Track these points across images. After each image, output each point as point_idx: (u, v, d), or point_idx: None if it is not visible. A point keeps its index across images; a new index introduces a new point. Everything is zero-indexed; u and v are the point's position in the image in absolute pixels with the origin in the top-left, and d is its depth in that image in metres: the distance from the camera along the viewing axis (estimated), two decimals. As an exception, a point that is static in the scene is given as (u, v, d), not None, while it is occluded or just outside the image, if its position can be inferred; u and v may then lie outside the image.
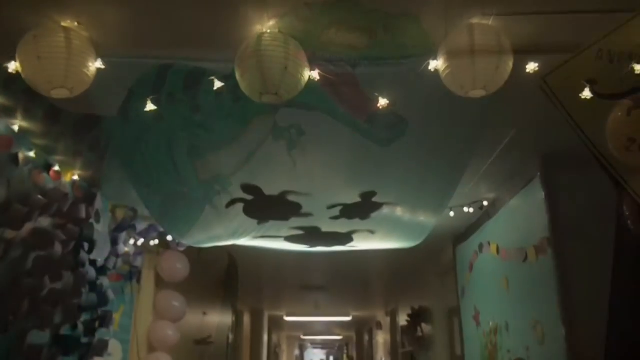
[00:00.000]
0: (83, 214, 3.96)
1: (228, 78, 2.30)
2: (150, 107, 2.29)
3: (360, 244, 4.84)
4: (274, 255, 7.36)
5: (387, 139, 2.91)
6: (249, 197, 3.46)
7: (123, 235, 4.74)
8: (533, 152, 3.71)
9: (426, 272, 7.84)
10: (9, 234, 3.26)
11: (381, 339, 14.13)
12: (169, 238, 5.06)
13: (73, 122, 3.11)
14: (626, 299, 2.86)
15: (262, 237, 4.44)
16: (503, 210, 4.46)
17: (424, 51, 2.30)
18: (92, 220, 4.15)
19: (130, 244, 5.06)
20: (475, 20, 2.16)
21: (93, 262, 4.18)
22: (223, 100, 2.51)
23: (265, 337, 14.81)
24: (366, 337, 18.03)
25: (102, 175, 4.23)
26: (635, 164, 2.41)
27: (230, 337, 10.87)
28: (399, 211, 3.94)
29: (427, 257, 7.23)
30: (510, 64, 2.12)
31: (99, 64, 2.21)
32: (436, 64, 2.20)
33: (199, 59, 2.41)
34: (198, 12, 2.28)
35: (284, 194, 3.46)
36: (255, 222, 3.92)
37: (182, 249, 5.36)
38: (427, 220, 4.15)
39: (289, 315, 15.16)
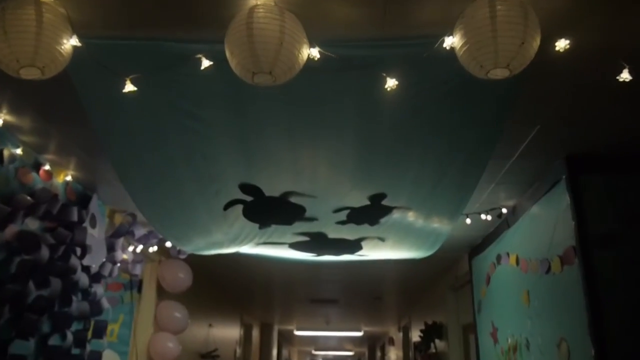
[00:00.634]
0: (75, 217, 3.74)
1: (219, 60, 2.06)
2: (130, 87, 2.05)
3: (369, 253, 4.56)
4: (284, 268, 7.13)
5: None
6: (248, 198, 3.21)
7: (120, 241, 4.51)
8: (557, 153, 3.42)
9: (440, 286, 7.50)
10: (-9, 235, 3.06)
11: (393, 355, 13.71)
12: (168, 244, 4.82)
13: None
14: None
15: (265, 243, 4.18)
16: (523, 218, 4.16)
17: (438, 28, 2.04)
18: (86, 224, 3.93)
19: (129, 251, 4.84)
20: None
21: (86, 269, 3.95)
22: (214, 85, 2.27)
23: (275, 352, 14.47)
24: (378, 353, 17.59)
25: (98, 177, 4.04)
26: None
27: (238, 351, 10.58)
28: (410, 216, 3.66)
29: (441, 269, 6.93)
30: (538, 39, 1.86)
31: (74, 41, 1.99)
32: (452, 41, 1.94)
33: (187, 39, 2.18)
34: (186, -14, 2.05)
35: (285, 195, 3.20)
36: (256, 226, 3.66)
37: (183, 256, 5.12)
38: (441, 227, 3.86)
39: (299, 329, 14.84)
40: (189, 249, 4.36)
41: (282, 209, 3.38)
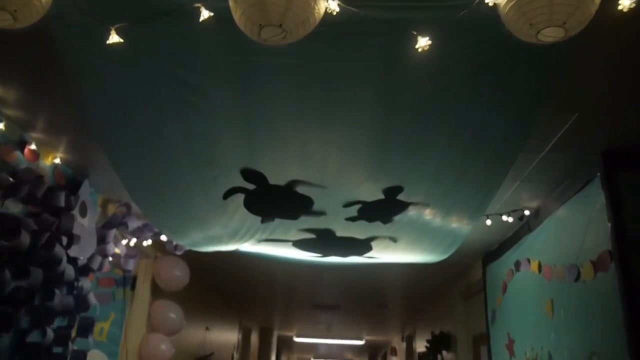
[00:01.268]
0: (62, 203, 3.44)
1: (222, 20, 1.77)
2: (115, 38, 1.75)
3: (379, 255, 4.24)
4: (286, 270, 6.82)
5: None
6: (251, 187, 2.90)
7: (112, 233, 4.20)
8: (592, 147, 3.10)
9: (449, 294, 7.17)
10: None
11: (396, 365, 13.34)
12: (163, 238, 4.51)
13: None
14: None
15: (267, 240, 3.87)
16: (548, 220, 3.83)
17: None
18: (74, 212, 3.63)
19: (121, 244, 4.53)
20: None
21: (73, 260, 3.64)
22: (217, 51, 1.97)
23: (273, 358, 14.11)
24: (379, 363, 17.20)
25: (90, 162, 3.75)
26: None
27: (236, 356, 10.24)
28: (427, 214, 3.34)
29: (451, 276, 6.59)
30: (601, -8, 1.55)
31: (53, -18, 1.69)
32: (496, -5, 1.63)
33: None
34: None
35: (291, 184, 2.89)
36: (258, 220, 3.35)
37: (180, 253, 4.81)
38: (460, 227, 3.54)
39: (299, 336, 14.49)
40: (185, 243, 4.05)
41: (287, 200, 3.07)
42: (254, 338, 12.35)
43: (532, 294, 4.08)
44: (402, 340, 12.07)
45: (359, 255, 4.29)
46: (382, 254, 4.20)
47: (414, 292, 8.03)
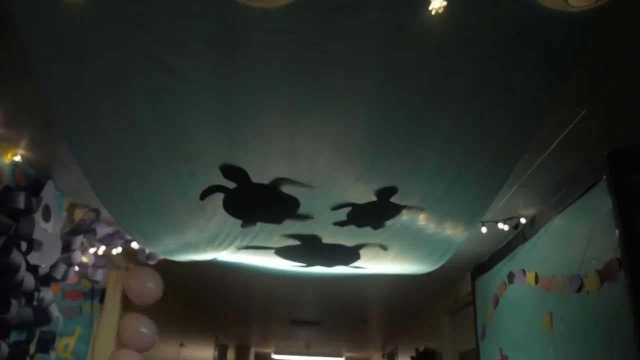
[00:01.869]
0: (22, 205, 3.13)
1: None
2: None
3: (367, 265, 3.98)
4: (264, 283, 6.55)
5: None
6: (231, 185, 2.63)
7: (79, 240, 3.88)
8: (597, 148, 2.93)
9: (434, 309, 6.94)
10: None
11: (376, 383, 13.01)
12: (135, 245, 4.19)
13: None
14: None
15: (248, 248, 3.58)
16: (545, 229, 3.63)
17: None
18: (36, 216, 3.31)
19: (89, 252, 4.20)
20: None
21: (33, 268, 3.31)
22: (194, 22, 1.72)
23: (250, 376, 13.67)
24: (359, 381, 16.79)
25: (55, 162, 3.44)
26: None
27: (211, 374, 9.83)
28: (421, 219, 3.10)
29: (437, 290, 6.36)
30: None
31: None
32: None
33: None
34: None
35: (276, 183, 2.62)
36: (238, 224, 3.07)
37: (153, 262, 4.48)
38: (454, 235, 3.31)
39: (277, 352, 14.10)
40: (158, 251, 3.74)
41: (271, 200, 2.80)
42: (231, 355, 11.93)
43: (527, 307, 3.87)
44: (384, 358, 11.78)
45: (345, 265, 4.03)
46: (370, 264, 3.94)
47: (397, 307, 7.79)
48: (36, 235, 3.27)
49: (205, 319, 8.96)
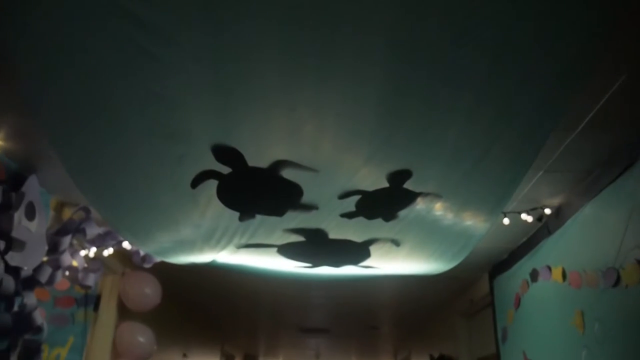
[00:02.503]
0: (-1, 200, 2.86)
1: None
2: None
3: (377, 264, 3.67)
4: (270, 289, 6.26)
5: None
6: (225, 170, 2.34)
7: (67, 240, 3.60)
8: (631, 126, 2.62)
9: (448, 312, 6.60)
10: None
11: (388, 392, 12.62)
12: (127, 245, 3.91)
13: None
14: None
15: (248, 246, 3.28)
16: (573, 220, 3.32)
17: None
18: (17, 213, 3.04)
19: (80, 255, 3.91)
20: None
21: (14, 270, 3.03)
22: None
23: (259, 387, 13.31)
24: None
25: (40, 155, 3.18)
26: None
27: (217, 385, 9.51)
28: (438, 208, 2.80)
29: (451, 292, 6.03)
30: None
31: None
32: None
33: None
34: None
35: (276, 167, 2.32)
36: (235, 217, 2.77)
37: (148, 265, 4.19)
38: (474, 226, 3.00)
39: (286, 362, 13.74)
40: (152, 250, 3.45)
41: (270, 188, 2.50)
42: (238, 365, 11.60)
43: (554, 306, 3.55)
44: (395, 365, 11.43)
45: (354, 265, 3.71)
46: (381, 262, 3.63)
47: (409, 312, 7.46)
48: (17, 234, 3.00)
49: (210, 327, 8.65)
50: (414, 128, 2.17)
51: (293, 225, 2.93)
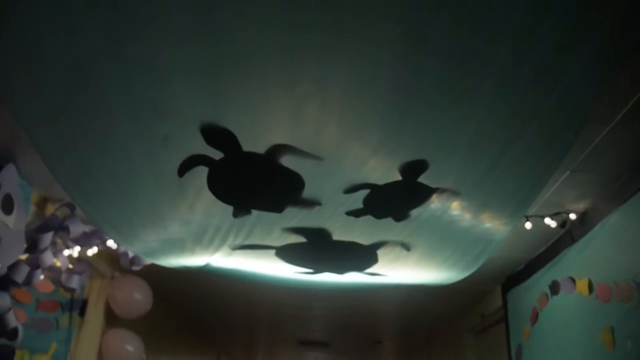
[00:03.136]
0: (-32, 189, 2.58)
1: None
2: None
3: (385, 271, 3.36)
4: (269, 299, 5.98)
5: None
6: (217, 155, 2.06)
7: (49, 238, 3.32)
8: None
9: (457, 327, 6.27)
10: None
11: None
12: (111, 244, 3.62)
13: None
14: None
15: (244, 247, 2.99)
16: (601, 225, 3.03)
17: None
18: (-10, 205, 2.77)
19: (63, 255, 3.63)
20: None
21: (-15, 268, 2.76)
22: None
23: (256, 402, 12.90)
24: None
25: (19, 142, 2.91)
26: None
27: (212, 398, 9.16)
28: (455, 208, 2.51)
29: (460, 306, 5.71)
30: None
31: None
32: None
33: None
34: None
35: (275, 152, 2.04)
36: (229, 212, 2.47)
37: (138, 267, 3.90)
38: (494, 230, 2.72)
39: (284, 377, 13.32)
40: (138, 250, 3.16)
41: (268, 177, 2.21)
42: (234, 378, 11.23)
43: (578, 321, 3.23)
44: (398, 383, 11.02)
45: (359, 271, 3.41)
46: (389, 269, 3.32)
47: (415, 326, 7.15)
48: (-11, 227, 2.73)
49: (204, 337, 8.32)
50: (427, 114, 1.91)
51: (293, 223, 2.64)
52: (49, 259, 3.38)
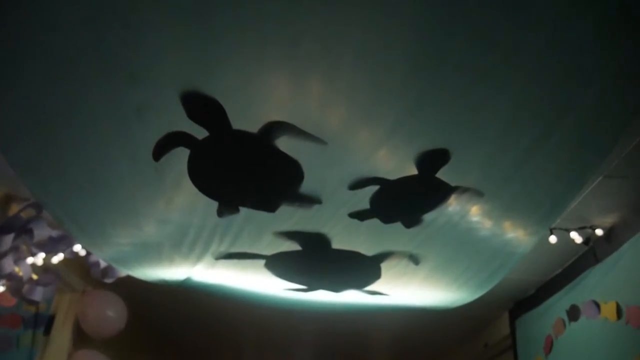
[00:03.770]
0: None
1: None
2: None
3: (388, 289, 2.99)
4: (254, 319, 5.58)
5: None
6: (199, 134, 1.72)
7: (8, 241, 2.93)
8: None
9: (457, 356, 5.88)
10: None
11: None
12: (78, 249, 3.23)
13: None
14: None
15: (230, 256, 2.62)
16: (631, 243, 2.70)
17: None
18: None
19: (26, 262, 3.23)
20: None
21: None
22: None
23: None
24: None
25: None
26: None
27: None
28: (474, 213, 2.18)
29: (461, 333, 5.35)
30: None
31: None
32: None
33: None
34: None
35: (271, 132, 1.70)
36: (213, 209, 2.12)
37: (111, 280, 3.50)
38: (516, 241, 2.40)
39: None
40: (108, 256, 2.76)
41: (261, 163, 1.87)
42: (216, 408, 10.62)
43: (604, 350, 2.89)
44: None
45: (358, 289, 3.04)
46: (392, 287, 2.96)
47: (411, 355, 6.72)
48: None
49: (184, 360, 7.80)
50: (448, 97, 1.61)
51: (287, 226, 2.29)
52: (8, 266, 3.00)
